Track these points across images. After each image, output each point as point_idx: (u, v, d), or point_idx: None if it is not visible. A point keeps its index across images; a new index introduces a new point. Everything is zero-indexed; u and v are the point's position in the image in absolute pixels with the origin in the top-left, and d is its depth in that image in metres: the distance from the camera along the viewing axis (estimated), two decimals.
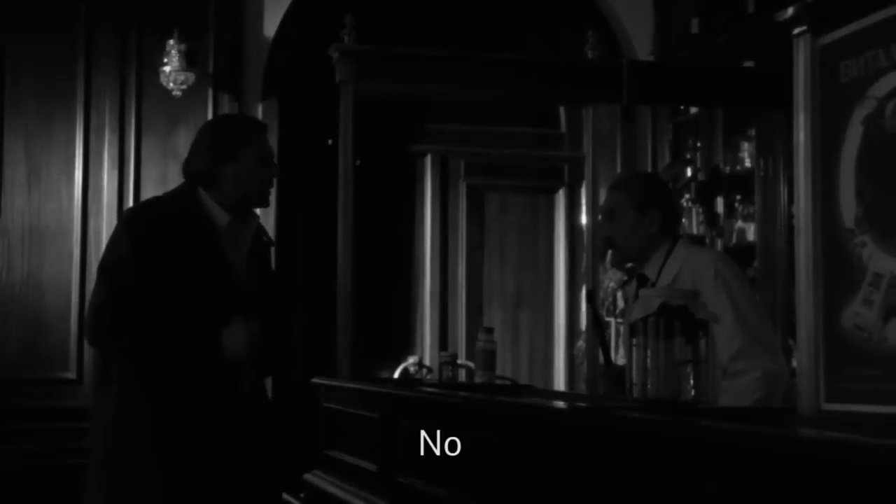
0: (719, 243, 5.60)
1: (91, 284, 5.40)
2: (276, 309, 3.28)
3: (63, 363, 5.47)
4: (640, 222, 3.41)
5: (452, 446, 2.70)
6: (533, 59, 4.98)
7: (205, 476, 3.05)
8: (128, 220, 3.20)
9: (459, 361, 4.08)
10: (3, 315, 5.44)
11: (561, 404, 2.73)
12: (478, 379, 3.72)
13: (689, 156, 5.94)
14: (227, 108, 5.70)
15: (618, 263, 3.33)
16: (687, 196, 5.81)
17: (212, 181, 3.15)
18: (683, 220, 5.82)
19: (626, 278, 5.24)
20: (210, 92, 5.67)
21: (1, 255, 5.47)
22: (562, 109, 6.72)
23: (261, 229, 3.35)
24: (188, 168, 3.23)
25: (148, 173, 5.61)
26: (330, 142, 5.49)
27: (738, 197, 5.54)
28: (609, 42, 5.89)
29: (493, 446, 2.49)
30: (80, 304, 5.48)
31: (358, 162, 4.26)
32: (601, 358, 3.77)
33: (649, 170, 5.00)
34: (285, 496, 3.70)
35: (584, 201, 5.49)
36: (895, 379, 1.87)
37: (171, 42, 5.46)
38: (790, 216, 4.95)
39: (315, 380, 3.95)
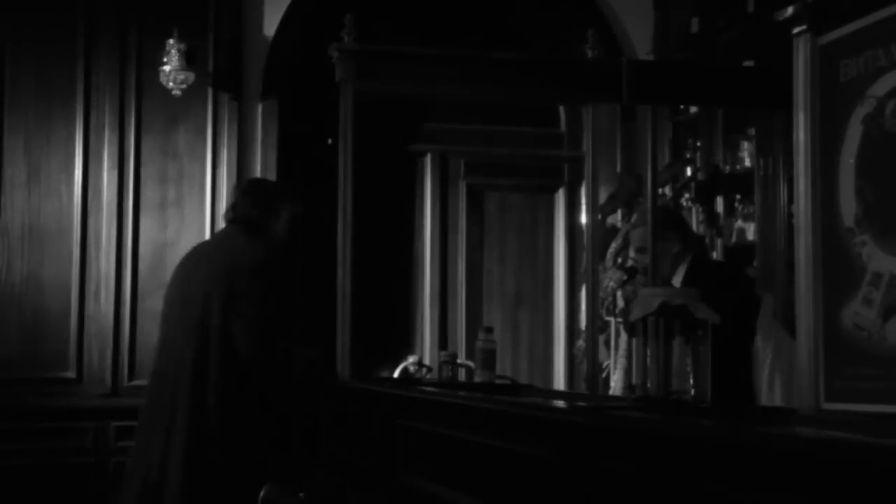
0: (719, 243, 5.60)
1: (90, 284, 5.48)
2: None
3: (63, 363, 5.47)
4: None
5: (452, 446, 2.70)
6: (533, 58, 4.97)
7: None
8: (266, 262, 3.92)
9: (459, 361, 4.08)
10: (3, 315, 5.43)
11: (561, 404, 2.73)
12: (478, 378, 3.72)
13: (688, 155, 5.93)
14: (226, 107, 5.69)
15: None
16: (687, 196, 5.81)
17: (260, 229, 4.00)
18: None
19: (626, 278, 5.24)
20: (210, 91, 5.67)
21: (1, 254, 5.47)
22: (562, 109, 6.72)
23: None
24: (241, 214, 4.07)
25: (147, 172, 5.61)
26: (330, 141, 5.49)
27: (738, 196, 5.54)
28: (609, 41, 5.89)
29: (493, 446, 2.48)
30: (80, 304, 5.48)
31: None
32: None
33: (649, 169, 4.98)
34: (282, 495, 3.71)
35: (583, 201, 5.48)
36: (895, 378, 1.86)
37: (171, 41, 5.46)
38: (790, 216, 4.95)
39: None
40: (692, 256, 4.42)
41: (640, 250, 4.51)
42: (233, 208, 4.13)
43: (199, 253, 4.20)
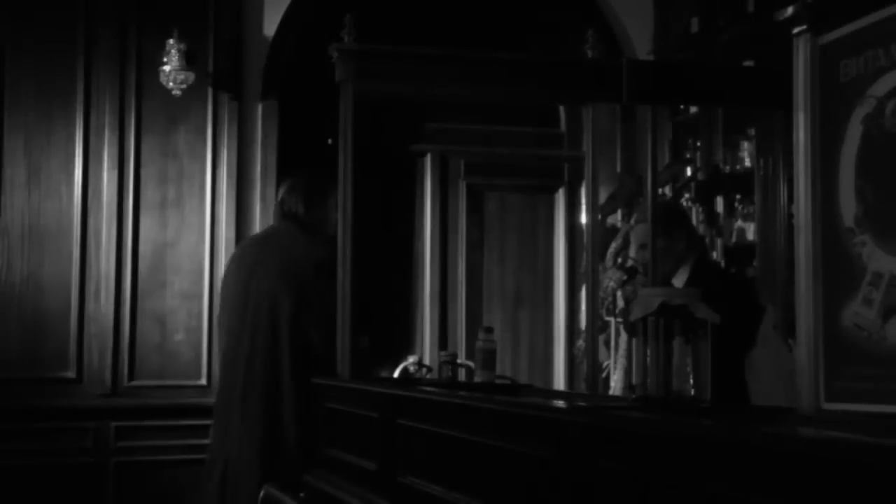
0: (719, 243, 5.60)
1: (90, 284, 5.48)
2: None
3: (63, 363, 5.47)
4: None
5: (452, 446, 2.70)
6: (533, 58, 4.96)
7: None
8: (330, 261, 3.86)
9: (459, 361, 4.07)
10: (3, 315, 5.43)
11: (561, 404, 2.73)
12: (478, 378, 3.72)
13: (688, 155, 5.94)
14: (226, 107, 5.70)
15: None
16: (687, 195, 5.81)
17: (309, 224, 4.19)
18: None
19: (625, 278, 5.24)
20: (210, 91, 5.67)
21: (1, 254, 5.47)
22: (562, 109, 6.72)
23: None
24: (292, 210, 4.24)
25: (147, 172, 5.61)
26: (330, 141, 5.49)
27: (738, 196, 5.54)
28: (609, 41, 5.89)
29: (493, 446, 2.48)
30: (80, 304, 5.48)
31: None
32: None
33: (649, 169, 4.98)
34: (281, 495, 3.70)
35: (583, 201, 5.48)
36: (895, 378, 1.86)
37: (171, 41, 5.46)
38: (790, 216, 4.95)
39: (315, 380, 3.94)
40: (696, 259, 4.38)
41: (643, 247, 4.49)
42: (280, 205, 4.29)
43: (254, 250, 4.31)
